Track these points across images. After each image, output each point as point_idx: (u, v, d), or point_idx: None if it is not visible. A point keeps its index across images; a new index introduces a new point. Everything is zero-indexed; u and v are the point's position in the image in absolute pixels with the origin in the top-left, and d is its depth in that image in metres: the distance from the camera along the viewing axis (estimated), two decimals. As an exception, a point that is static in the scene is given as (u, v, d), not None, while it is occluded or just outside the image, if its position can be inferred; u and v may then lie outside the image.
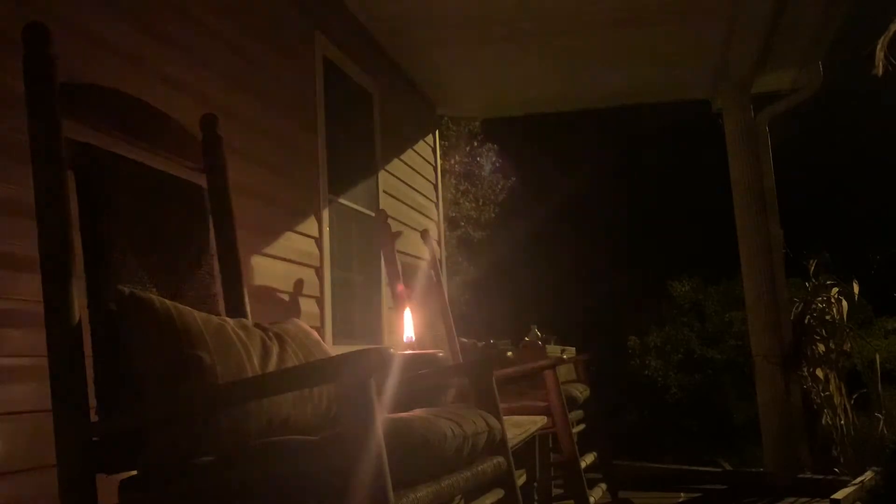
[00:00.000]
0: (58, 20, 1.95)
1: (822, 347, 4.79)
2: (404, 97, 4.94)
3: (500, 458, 1.73)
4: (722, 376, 12.52)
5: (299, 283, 3.28)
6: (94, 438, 1.30)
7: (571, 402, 3.27)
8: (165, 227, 1.61)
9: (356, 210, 3.96)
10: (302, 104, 3.49)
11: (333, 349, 2.33)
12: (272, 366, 1.50)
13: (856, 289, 5.09)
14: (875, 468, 3.93)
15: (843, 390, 4.72)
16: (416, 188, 5.01)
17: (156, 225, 1.58)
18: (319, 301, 3.43)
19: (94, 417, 1.32)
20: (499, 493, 1.74)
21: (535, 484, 3.45)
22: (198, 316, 1.43)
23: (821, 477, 4.30)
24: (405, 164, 4.83)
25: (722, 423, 11.08)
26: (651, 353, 13.76)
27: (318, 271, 3.46)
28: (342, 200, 3.81)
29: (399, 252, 3.47)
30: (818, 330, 4.82)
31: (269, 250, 3.04)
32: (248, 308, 1.79)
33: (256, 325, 1.60)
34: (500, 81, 5.26)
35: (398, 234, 4.06)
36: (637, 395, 12.85)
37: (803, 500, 3.94)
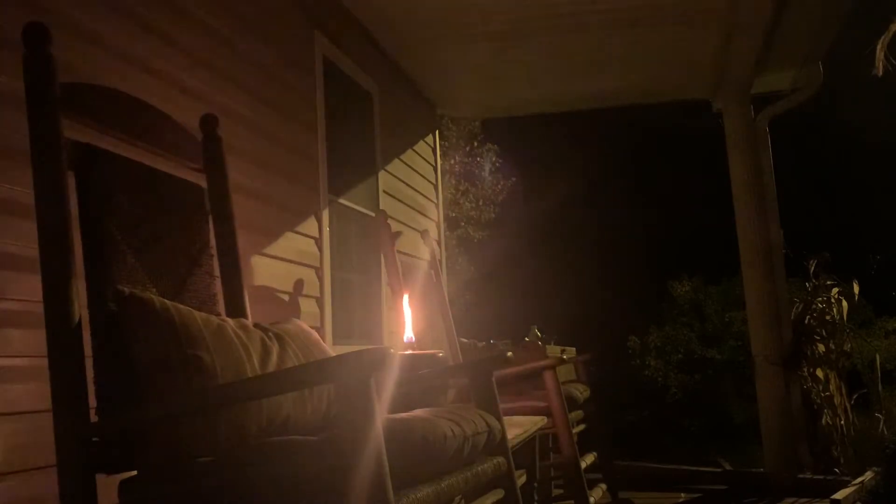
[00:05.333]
0: (58, 20, 1.95)
1: (822, 347, 4.79)
2: (404, 97, 4.94)
3: (500, 459, 1.73)
4: (722, 376, 12.52)
5: (299, 283, 3.28)
6: (94, 438, 1.30)
7: (571, 402, 3.27)
8: (165, 227, 1.61)
9: (356, 210, 3.97)
10: (302, 104, 3.49)
11: (333, 349, 2.33)
12: (272, 366, 1.50)
13: (856, 289, 5.09)
14: (875, 468, 3.93)
15: (843, 390, 4.72)
16: (416, 188, 5.01)
17: (156, 225, 1.58)
18: (319, 301, 3.43)
19: (94, 417, 1.32)
20: (499, 494, 1.74)
21: (535, 484, 3.45)
22: (198, 316, 1.43)
23: (821, 477, 4.30)
24: (405, 164, 4.83)
25: (722, 423, 11.08)
26: (651, 353, 13.75)
27: (318, 271, 3.46)
28: (342, 200, 3.81)
29: (399, 252, 3.48)
30: (818, 330, 4.82)
31: (269, 250, 3.04)
32: (248, 308, 1.79)
33: (256, 325, 1.60)
34: (500, 81, 5.26)
35: (398, 234, 4.06)
36: (637, 395, 12.85)
37: (803, 500, 3.94)
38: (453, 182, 11.33)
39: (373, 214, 4.01)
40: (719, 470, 4.85)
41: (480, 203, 11.99)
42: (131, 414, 1.34)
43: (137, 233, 1.51)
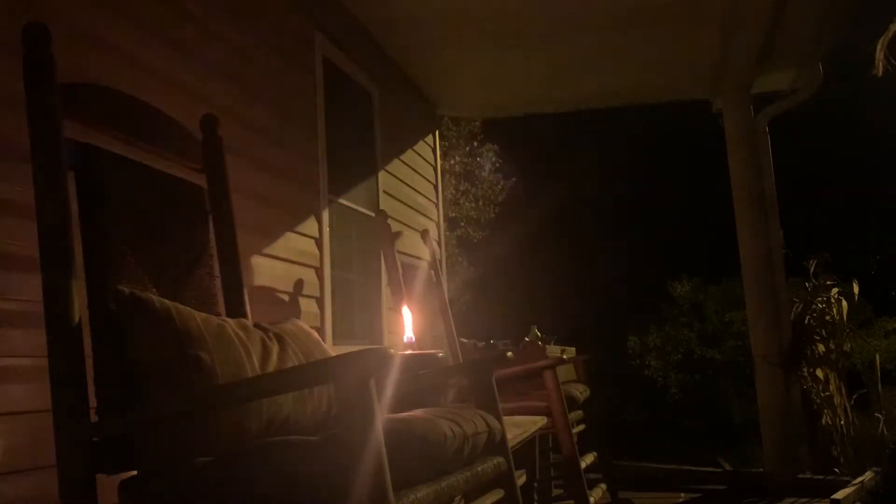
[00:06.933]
0: (58, 20, 1.95)
1: (822, 347, 4.79)
2: (404, 97, 4.94)
3: (500, 459, 1.73)
4: (722, 376, 12.53)
5: (299, 283, 3.28)
6: (94, 438, 1.30)
7: (571, 402, 3.27)
8: (165, 228, 1.61)
9: (356, 210, 3.97)
10: (302, 104, 3.49)
11: (333, 349, 2.33)
12: (272, 366, 1.50)
13: (856, 289, 5.08)
14: (875, 468, 3.93)
15: (843, 390, 4.71)
16: (416, 188, 5.01)
17: (156, 225, 1.58)
18: (319, 301, 3.43)
19: (94, 417, 1.32)
20: (499, 494, 1.74)
21: (535, 484, 3.45)
22: (198, 316, 1.43)
23: (821, 477, 4.29)
24: (405, 164, 4.83)
25: (722, 423, 11.09)
26: (651, 353, 13.76)
27: (318, 271, 3.46)
28: (342, 200, 3.81)
29: (399, 252, 3.48)
30: (818, 330, 4.82)
31: (269, 250, 3.04)
32: (248, 308, 1.79)
33: (256, 326, 1.60)
34: (500, 81, 5.26)
35: (398, 234, 4.07)
36: (637, 395, 12.86)
37: (803, 500, 3.94)
38: (453, 182, 11.33)
39: (373, 214, 4.01)
40: (719, 470, 4.84)
41: (480, 203, 12.00)
42: (131, 414, 1.34)
43: (137, 233, 1.51)
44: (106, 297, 1.38)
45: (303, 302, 3.29)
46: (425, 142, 5.32)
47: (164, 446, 1.29)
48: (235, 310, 1.76)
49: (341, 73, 3.90)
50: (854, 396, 4.75)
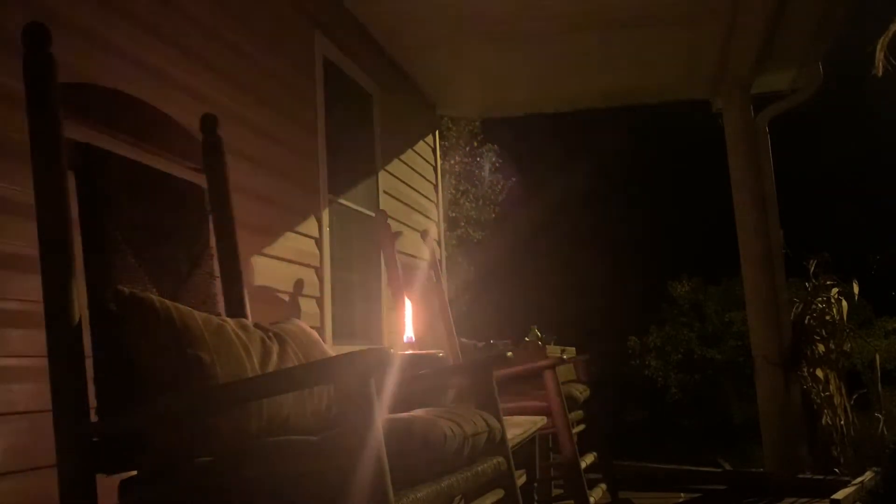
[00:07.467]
0: (58, 20, 1.95)
1: (822, 347, 4.79)
2: (404, 97, 4.94)
3: (500, 458, 1.73)
4: (722, 376, 12.53)
5: (299, 283, 3.28)
6: (94, 438, 1.30)
7: (571, 402, 3.27)
8: (165, 227, 1.61)
9: (356, 210, 3.97)
10: (302, 104, 3.49)
11: (333, 349, 2.33)
12: (272, 366, 1.50)
13: (856, 289, 5.08)
14: (875, 468, 3.93)
15: (843, 390, 4.72)
16: (416, 188, 5.01)
17: (156, 225, 1.58)
18: (319, 301, 3.43)
19: (94, 417, 1.32)
20: (499, 493, 1.74)
21: (535, 484, 3.45)
22: (198, 316, 1.43)
23: (821, 477, 4.30)
24: (405, 164, 4.83)
25: (722, 423, 11.09)
26: (651, 353, 13.76)
27: (318, 271, 3.46)
28: (342, 200, 3.81)
29: (399, 252, 3.48)
30: (818, 330, 4.82)
31: (269, 250, 3.04)
32: (248, 308, 1.79)
33: (256, 326, 1.60)
34: (500, 81, 5.26)
35: (398, 234, 4.06)
36: (637, 395, 12.86)
37: (803, 500, 3.94)
38: (453, 182, 11.34)
39: (373, 214, 4.01)
40: (719, 470, 4.84)
41: (480, 203, 12.00)
42: (131, 414, 1.34)
43: (137, 233, 1.51)
44: (106, 297, 1.38)
45: (303, 302, 3.29)
46: (425, 142, 5.32)
47: (164, 446, 1.29)
48: (235, 310, 1.76)
49: (341, 73, 3.90)
50: (854, 396, 4.75)
